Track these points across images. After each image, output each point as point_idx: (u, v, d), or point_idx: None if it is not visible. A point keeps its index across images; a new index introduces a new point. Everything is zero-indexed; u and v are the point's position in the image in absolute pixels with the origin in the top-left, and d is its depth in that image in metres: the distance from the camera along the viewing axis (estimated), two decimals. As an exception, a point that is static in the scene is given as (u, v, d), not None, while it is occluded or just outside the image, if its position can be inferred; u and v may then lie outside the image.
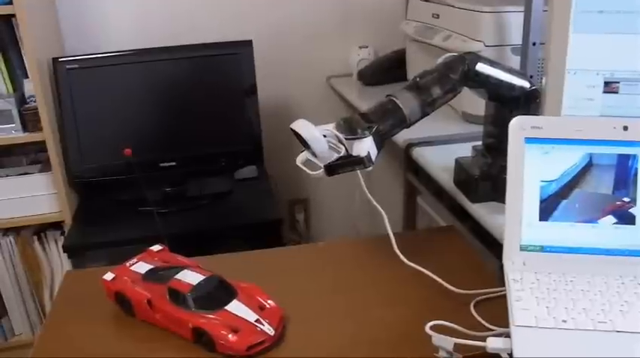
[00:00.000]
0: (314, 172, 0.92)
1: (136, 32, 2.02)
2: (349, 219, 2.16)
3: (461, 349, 0.73)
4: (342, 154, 0.90)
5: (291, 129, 0.89)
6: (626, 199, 0.77)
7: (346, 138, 0.91)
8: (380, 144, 0.93)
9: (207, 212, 1.80)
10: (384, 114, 0.94)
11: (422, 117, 0.97)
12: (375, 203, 0.99)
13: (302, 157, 0.93)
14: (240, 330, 0.81)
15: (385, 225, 0.99)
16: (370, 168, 0.91)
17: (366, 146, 0.90)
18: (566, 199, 0.79)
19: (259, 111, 1.85)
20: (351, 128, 0.91)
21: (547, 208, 0.79)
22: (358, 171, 0.94)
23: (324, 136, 0.90)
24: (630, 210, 0.77)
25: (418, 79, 0.97)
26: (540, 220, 0.79)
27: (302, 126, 0.89)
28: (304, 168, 0.92)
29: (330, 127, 0.92)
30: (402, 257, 0.96)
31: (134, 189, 1.73)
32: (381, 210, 0.99)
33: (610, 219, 0.78)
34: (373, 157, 0.91)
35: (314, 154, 0.91)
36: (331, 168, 0.92)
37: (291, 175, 2.24)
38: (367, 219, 1.86)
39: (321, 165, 0.92)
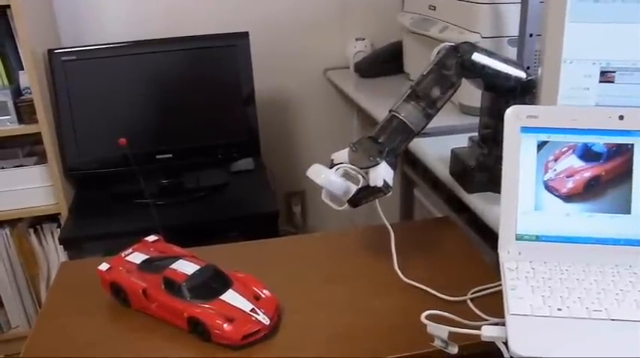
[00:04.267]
0: (340, 207, 0.94)
1: (131, 24, 2.01)
2: (346, 211, 2.15)
3: (456, 338, 0.73)
4: (360, 186, 0.92)
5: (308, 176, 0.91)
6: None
7: (361, 168, 0.92)
8: (394, 163, 0.95)
9: (203, 204, 1.80)
10: (391, 133, 0.95)
11: (428, 122, 0.98)
12: (384, 220, 1.00)
13: (325, 193, 0.94)
14: (236, 320, 0.81)
15: (391, 241, 1.00)
16: (390, 193, 0.92)
17: (380, 175, 0.91)
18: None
19: (256, 104, 1.85)
20: (363, 155, 0.93)
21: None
22: None
23: (341, 164, 0.93)
24: (626, 199, 0.77)
25: (416, 87, 0.97)
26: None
27: (318, 174, 0.90)
28: (331, 204, 0.94)
29: (344, 156, 0.94)
30: (400, 274, 0.96)
31: (130, 182, 1.72)
32: (390, 228, 1.00)
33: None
34: (390, 182, 0.92)
35: (341, 197, 0.93)
36: (354, 202, 0.94)
37: (287, 167, 2.24)
38: (364, 212, 1.86)
39: (344, 199, 0.93)
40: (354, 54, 2.07)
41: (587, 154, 0.78)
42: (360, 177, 0.92)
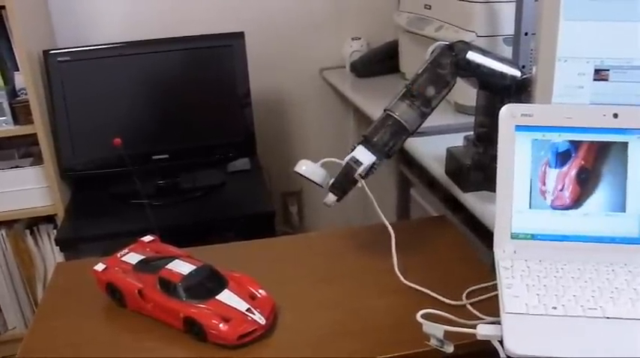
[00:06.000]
0: (330, 201, 0.97)
1: (127, 24, 2.01)
2: (342, 211, 2.15)
3: (452, 337, 0.73)
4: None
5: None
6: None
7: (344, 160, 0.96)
8: (380, 153, 0.95)
9: (200, 205, 1.80)
10: (385, 132, 0.96)
11: (423, 121, 0.98)
12: (384, 220, 1.00)
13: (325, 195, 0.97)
14: (231, 320, 0.81)
15: (391, 242, 1.00)
16: (360, 169, 0.94)
17: (351, 154, 0.94)
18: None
19: (252, 104, 1.85)
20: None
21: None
22: (368, 192, 0.97)
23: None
24: (621, 198, 0.78)
25: (410, 86, 0.97)
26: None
27: (300, 166, 0.95)
28: (325, 202, 0.97)
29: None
30: (401, 278, 0.96)
31: (127, 182, 1.73)
32: (391, 229, 1.00)
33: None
34: (362, 160, 0.94)
35: (321, 186, 0.96)
36: (334, 189, 0.96)
37: (284, 167, 2.24)
38: (360, 212, 1.86)
39: (325, 187, 0.96)
40: (350, 53, 2.07)
41: (560, 157, 0.79)
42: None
